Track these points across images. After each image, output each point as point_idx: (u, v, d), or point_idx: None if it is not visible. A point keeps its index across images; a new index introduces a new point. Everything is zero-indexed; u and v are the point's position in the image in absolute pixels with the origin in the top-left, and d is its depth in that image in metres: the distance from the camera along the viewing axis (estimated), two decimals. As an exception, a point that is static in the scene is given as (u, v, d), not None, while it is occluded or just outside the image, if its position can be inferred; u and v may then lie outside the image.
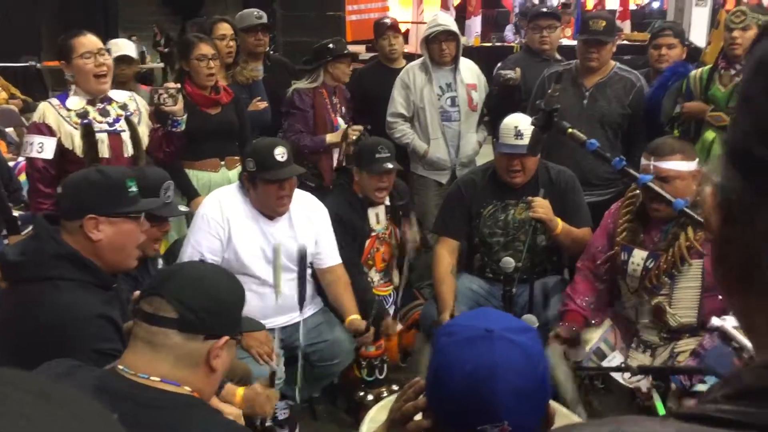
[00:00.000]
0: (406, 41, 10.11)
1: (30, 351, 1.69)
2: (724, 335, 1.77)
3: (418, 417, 1.20)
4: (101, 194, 1.92)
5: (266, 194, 2.74)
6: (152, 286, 1.43)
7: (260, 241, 2.79)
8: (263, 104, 3.90)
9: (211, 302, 1.42)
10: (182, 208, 2.57)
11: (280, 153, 2.69)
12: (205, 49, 3.34)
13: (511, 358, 1.08)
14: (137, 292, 1.46)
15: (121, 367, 1.38)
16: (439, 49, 3.84)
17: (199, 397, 1.41)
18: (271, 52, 4.70)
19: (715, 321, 1.82)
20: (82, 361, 1.57)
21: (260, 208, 2.80)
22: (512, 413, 1.06)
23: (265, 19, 4.14)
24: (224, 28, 3.82)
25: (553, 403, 2.05)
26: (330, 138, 3.81)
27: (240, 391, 2.21)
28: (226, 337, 1.43)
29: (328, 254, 2.97)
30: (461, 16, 11.40)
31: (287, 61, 4.53)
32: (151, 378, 1.36)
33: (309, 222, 2.92)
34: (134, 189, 2.00)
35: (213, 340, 1.41)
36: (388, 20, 4.27)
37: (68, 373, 1.35)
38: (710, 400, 0.50)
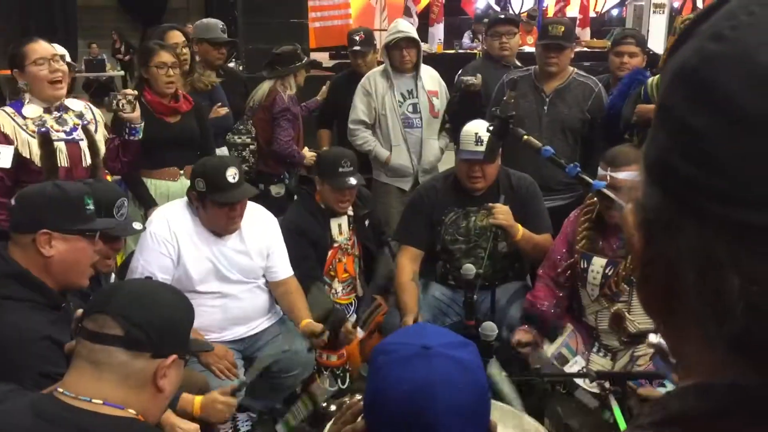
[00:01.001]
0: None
1: None
2: (662, 352, 1.77)
3: None
4: (57, 209, 1.87)
5: (216, 215, 2.67)
6: (96, 303, 1.37)
7: (210, 257, 2.73)
8: (224, 110, 3.88)
9: (159, 319, 1.37)
10: (136, 225, 2.49)
11: (232, 174, 2.60)
12: (165, 56, 3.30)
13: (449, 374, 1.07)
14: (80, 311, 1.41)
15: (61, 390, 1.31)
16: (400, 55, 3.84)
17: (143, 420, 1.35)
18: (231, 60, 4.70)
19: (652, 338, 1.83)
20: (27, 385, 1.52)
21: (209, 227, 2.73)
22: (453, 430, 1.04)
23: (226, 34, 4.17)
24: (175, 36, 3.79)
25: (504, 406, 2.06)
26: (307, 159, 3.90)
27: (198, 399, 2.17)
28: (174, 356, 1.39)
29: (281, 267, 2.93)
30: (424, 23, 11.47)
31: (239, 71, 4.54)
32: (93, 401, 1.29)
33: (260, 235, 2.86)
34: (91, 207, 1.95)
35: (160, 359, 1.36)
36: (357, 37, 4.27)
37: (1, 399, 1.29)
38: (637, 426, 0.49)
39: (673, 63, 0.48)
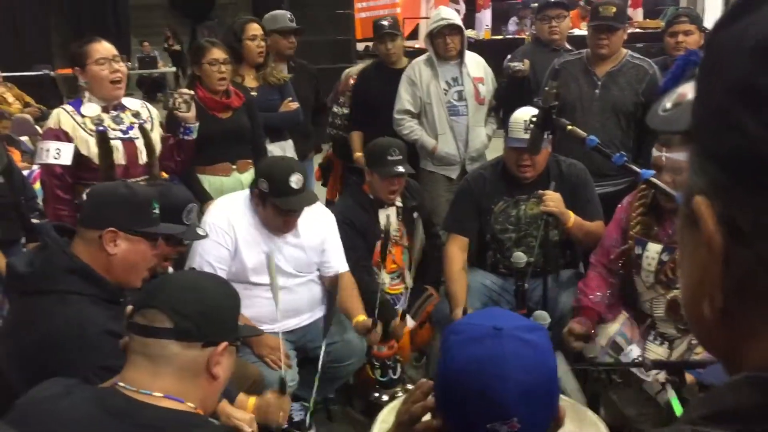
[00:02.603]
0: (416, 37, 10.09)
1: (35, 365, 1.69)
2: None
3: (427, 417, 1.18)
4: (126, 209, 1.91)
5: (274, 217, 2.70)
6: (144, 298, 1.40)
7: (266, 248, 2.76)
8: (295, 105, 3.90)
9: (206, 308, 1.40)
10: (200, 231, 2.54)
11: (296, 180, 2.61)
12: (217, 53, 3.35)
13: (520, 355, 1.07)
14: (129, 307, 1.44)
15: (121, 383, 1.34)
16: (444, 43, 3.80)
17: (202, 413, 1.38)
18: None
19: None
20: (89, 378, 1.57)
21: (265, 224, 2.76)
22: (521, 410, 1.04)
23: (295, 23, 4.17)
24: (254, 29, 3.81)
25: (567, 400, 2.04)
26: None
27: (252, 400, 2.20)
28: (225, 343, 1.41)
29: (335, 262, 2.96)
30: (471, 9, 11.34)
31: (308, 65, 4.52)
32: (154, 394, 1.32)
33: (316, 231, 2.89)
34: (157, 211, 1.99)
35: (212, 347, 1.39)
36: (386, 22, 4.17)
37: (67, 392, 1.32)
38: (688, 421, 0.47)
39: (747, 36, 0.43)
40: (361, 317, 2.86)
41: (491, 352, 1.06)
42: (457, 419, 1.10)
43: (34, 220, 3.71)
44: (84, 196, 2.02)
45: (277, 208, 2.65)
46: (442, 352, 1.13)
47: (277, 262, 2.77)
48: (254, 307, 2.75)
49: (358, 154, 4.00)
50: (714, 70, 0.47)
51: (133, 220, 1.91)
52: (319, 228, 2.90)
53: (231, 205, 2.79)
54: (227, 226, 2.71)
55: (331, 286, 2.80)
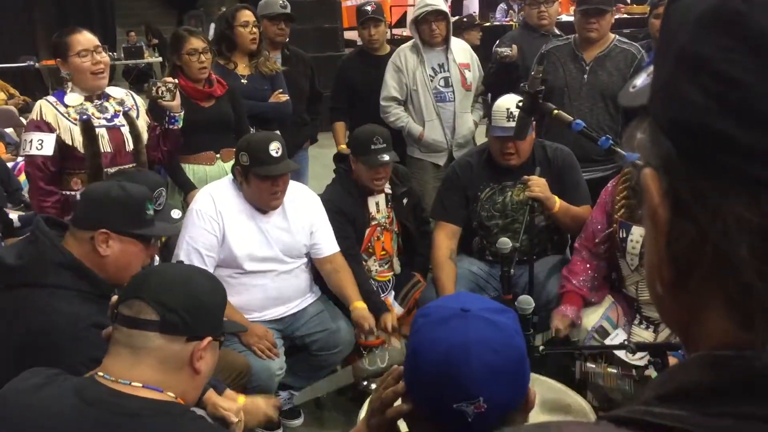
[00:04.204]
0: (404, 24, 10.02)
1: (23, 357, 1.67)
2: None
3: (399, 402, 1.18)
4: (120, 212, 1.90)
5: (259, 189, 2.70)
6: (130, 289, 1.39)
7: (255, 235, 2.77)
8: (285, 97, 3.85)
9: (192, 302, 1.39)
10: (175, 213, 2.52)
11: (275, 148, 2.64)
12: (196, 43, 3.32)
13: (485, 335, 1.07)
14: (115, 297, 1.43)
15: (101, 373, 1.34)
16: (429, 29, 3.79)
17: (183, 403, 1.38)
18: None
19: None
20: (79, 370, 1.56)
21: (252, 202, 2.76)
22: (487, 391, 1.03)
23: (288, 9, 4.08)
24: (246, 15, 3.76)
25: (547, 380, 2.05)
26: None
27: (241, 399, 2.18)
28: (209, 338, 1.41)
29: (326, 243, 2.95)
30: (458, -5, 11.28)
31: (304, 53, 4.44)
32: (133, 384, 1.32)
33: (303, 213, 2.88)
34: (151, 212, 1.98)
35: (196, 342, 1.38)
36: (368, 7, 4.12)
37: (45, 383, 1.32)
38: (644, 401, 0.46)
39: (692, 6, 0.43)
40: (359, 303, 2.85)
41: (457, 333, 1.06)
42: (424, 401, 1.10)
43: (20, 213, 3.69)
44: (75, 188, 1.99)
45: (260, 178, 2.65)
46: (411, 335, 1.13)
47: (264, 246, 2.77)
48: (241, 295, 2.74)
49: (342, 147, 3.98)
50: (666, 42, 0.46)
51: (126, 222, 1.90)
52: (305, 210, 2.90)
53: (217, 191, 2.78)
54: (215, 213, 2.71)
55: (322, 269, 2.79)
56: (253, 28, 3.74)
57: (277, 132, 3.30)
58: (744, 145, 0.40)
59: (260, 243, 2.77)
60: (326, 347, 2.89)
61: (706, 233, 0.43)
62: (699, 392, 0.44)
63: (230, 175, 2.83)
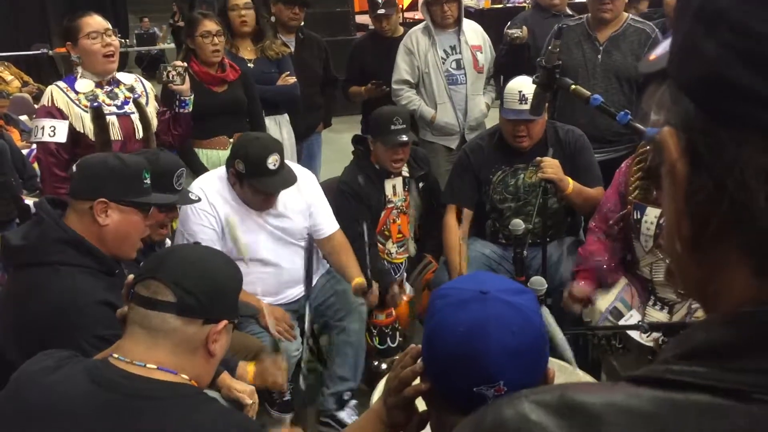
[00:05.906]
0: (416, 8, 9.94)
1: (31, 336, 1.70)
2: None
3: (417, 382, 1.18)
4: (117, 180, 1.90)
5: (253, 197, 2.67)
6: (148, 269, 1.39)
7: (252, 223, 2.75)
8: (292, 79, 3.84)
9: (210, 285, 1.38)
10: (193, 196, 2.52)
11: (273, 161, 2.56)
12: (210, 25, 3.33)
13: (504, 317, 1.06)
14: (131, 276, 1.43)
15: (115, 355, 1.34)
16: (441, 11, 3.75)
17: (196, 385, 1.38)
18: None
19: None
20: (83, 348, 1.57)
21: (245, 202, 2.72)
22: (507, 374, 1.03)
23: None
24: None
25: (556, 361, 2.04)
26: None
27: (251, 367, 2.22)
28: (225, 321, 1.41)
29: (325, 224, 2.93)
30: (471, -23, 11.16)
31: (319, 37, 4.43)
32: (148, 366, 1.32)
33: (299, 195, 2.84)
34: (148, 181, 1.99)
35: (212, 325, 1.38)
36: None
37: (58, 365, 1.33)
38: (662, 361, 0.47)
39: None
40: (359, 279, 2.86)
41: (476, 316, 1.05)
42: (444, 383, 1.10)
43: (36, 199, 3.72)
44: (74, 168, 2.00)
45: (254, 189, 2.62)
46: (428, 317, 1.12)
47: (266, 234, 2.76)
48: (254, 284, 2.74)
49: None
50: (683, 6, 0.47)
51: (124, 190, 1.91)
52: (301, 191, 2.84)
53: (207, 184, 2.73)
54: (209, 207, 2.67)
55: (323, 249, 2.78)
56: (242, 11, 3.73)
57: (278, 138, 3.29)
58: (760, 93, 0.41)
59: (261, 232, 2.76)
60: (338, 312, 2.86)
61: (724, 185, 0.44)
62: (718, 349, 0.44)
63: (222, 168, 2.77)
